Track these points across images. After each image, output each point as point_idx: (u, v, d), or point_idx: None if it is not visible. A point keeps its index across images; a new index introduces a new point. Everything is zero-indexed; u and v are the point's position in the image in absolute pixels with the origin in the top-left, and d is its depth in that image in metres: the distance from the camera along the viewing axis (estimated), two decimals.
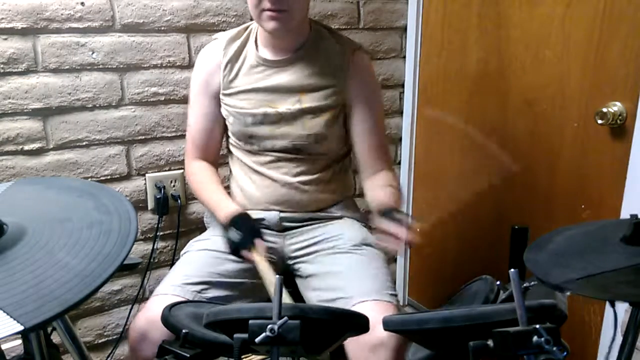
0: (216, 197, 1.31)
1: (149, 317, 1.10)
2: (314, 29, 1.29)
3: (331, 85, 1.26)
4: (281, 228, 1.33)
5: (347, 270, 1.20)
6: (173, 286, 1.15)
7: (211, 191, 1.33)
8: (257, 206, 1.34)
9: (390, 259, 2.26)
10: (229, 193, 1.46)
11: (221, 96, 1.32)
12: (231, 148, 1.40)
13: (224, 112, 1.33)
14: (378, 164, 1.32)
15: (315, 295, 1.21)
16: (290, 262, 1.33)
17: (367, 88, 1.29)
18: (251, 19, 1.30)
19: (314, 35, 1.28)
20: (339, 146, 1.34)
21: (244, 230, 1.17)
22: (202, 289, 1.17)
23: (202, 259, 1.25)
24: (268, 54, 1.28)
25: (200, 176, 1.37)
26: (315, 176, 1.31)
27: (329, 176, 1.33)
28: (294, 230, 1.33)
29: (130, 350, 1.14)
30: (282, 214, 1.32)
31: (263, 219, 1.33)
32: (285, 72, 1.26)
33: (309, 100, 1.25)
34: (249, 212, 1.35)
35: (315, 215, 1.33)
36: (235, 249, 1.17)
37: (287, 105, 1.25)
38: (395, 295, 1.18)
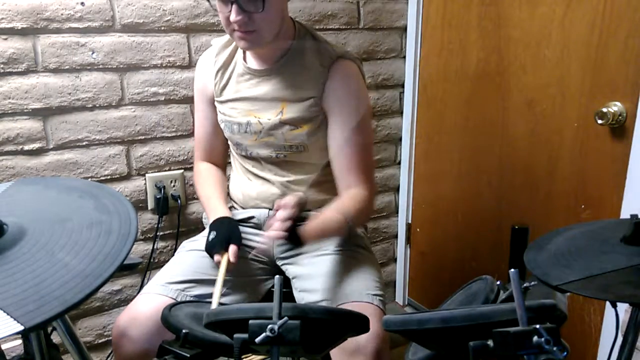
0: (211, 201, 1.32)
1: (130, 314, 1.13)
2: (298, 37, 1.25)
3: (311, 96, 1.22)
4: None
5: (329, 273, 1.21)
6: (157, 285, 1.17)
7: (208, 195, 1.35)
8: (250, 204, 1.36)
9: (390, 259, 2.27)
10: (227, 192, 1.47)
11: (215, 103, 1.34)
12: (231, 149, 1.42)
13: (218, 118, 1.35)
14: (351, 179, 1.24)
15: (300, 297, 1.22)
16: (279, 262, 1.34)
17: (344, 99, 1.22)
18: None
19: (297, 45, 1.25)
20: (324, 155, 1.29)
21: (220, 233, 1.18)
22: (186, 288, 1.18)
23: (190, 258, 1.27)
24: (254, 63, 1.27)
25: (202, 178, 1.40)
26: (306, 178, 1.31)
27: (321, 178, 1.32)
28: None
29: (113, 347, 1.16)
30: (272, 212, 1.32)
31: (253, 217, 1.35)
32: (268, 82, 1.25)
33: (289, 112, 1.23)
34: (237, 211, 1.38)
35: (304, 215, 1.33)
36: (209, 250, 1.19)
37: (269, 115, 1.25)
38: (379, 296, 1.17)
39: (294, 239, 1.05)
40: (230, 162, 1.48)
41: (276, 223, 1.02)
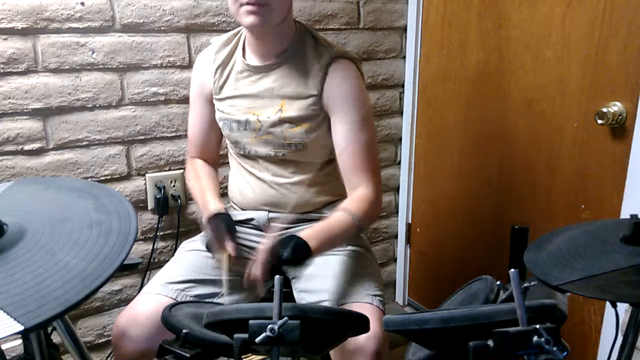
0: (204, 196, 1.31)
1: (130, 314, 1.13)
2: (298, 35, 1.25)
3: (311, 94, 1.21)
4: (270, 229, 1.33)
5: (329, 273, 1.21)
6: (157, 285, 1.18)
7: (201, 190, 1.34)
8: (249, 206, 1.36)
9: (390, 259, 2.27)
10: (226, 193, 1.47)
11: (214, 101, 1.34)
12: (229, 149, 1.41)
13: (216, 116, 1.34)
14: (356, 178, 1.23)
15: (300, 297, 1.22)
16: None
17: (345, 98, 1.21)
18: None
19: (297, 42, 1.24)
20: (324, 154, 1.30)
21: (217, 230, 1.18)
22: (186, 287, 1.18)
23: (190, 259, 1.27)
24: (254, 60, 1.27)
25: (195, 174, 1.39)
26: (305, 178, 1.30)
27: (320, 178, 1.32)
28: (282, 232, 1.33)
29: (113, 347, 1.16)
30: (271, 214, 1.32)
31: (252, 219, 1.35)
32: (267, 78, 1.25)
33: (289, 109, 1.23)
34: (236, 212, 1.38)
35: (304, 216, 1.33)
36: (208, 247, 1.20)
37: (269, 113, 1.24)
38: (378, 296, 1.17)
39: (300, 260, 1.05)
40: (227, 163, 1.48)
41: (256, 271, 1.04)
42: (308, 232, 1.10)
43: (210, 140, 1.41)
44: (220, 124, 1.34)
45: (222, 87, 1.31)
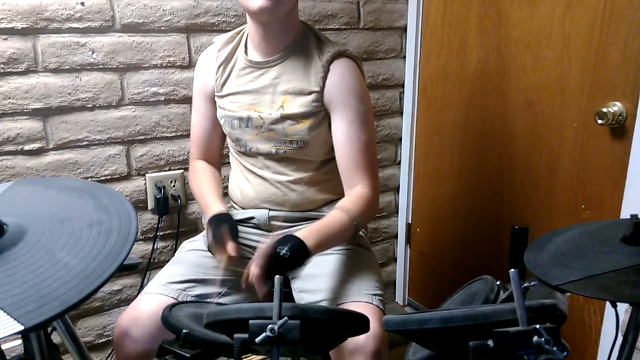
0: (207, 199, 1.31)
1: (131, 314, 1.13)
2: (302, 32, 1.26)
3: (313, 91, 1.22)
4: (270, 227, 1.34)
5: (328, 273, 1.21)
6: (158, 285, 1.18)
7: (204, 193, 1.34)
8: (250, 204, 1.36)
9: (390, 259, 2.27)
10: (227, 192, 1.47)
11: (215, 99, 1.34)
12: (230, 147, 1.41)
13: (217, 114, 1.34)
14: (355, 176, 1.24)
15: (299, 297, 1.22)
16: None
17: (346, 96, 1.22)
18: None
19: (300, 39, 1.25)
20: (324, 152, 1.30)
21: (217, 231, 1.18)
22: (187, 287, 1.18)
23: (190, 258, 1.27)
24: (256, 56, 1.27)
25: (198, 176, 1.39)
26: (306, 176, 1.30)
27: (320, 177, 1.32)
28: (282, 231, 1.33)
29: (114, 347, 1.16)
30: (272, 213, 1.32)
31: (252, 218, 1.35)
32: (269, 73, 1.25)
33: (290, 106, 1.23)
34: (237, 211, 1.38)
35: (304, 215, 1.33)
36: (210, 249, 1.20)
37: (270, 110, 1.25)
38: (378, 295, 1.17)
39: (299, 259, 1.04)
40: (228, 162, 1.48)
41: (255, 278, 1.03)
42: (305, 232, 1.10)
43: (213, 140, 1.41)
44: (222, 122, 1.33)
45: (223, 84, 1.31)
